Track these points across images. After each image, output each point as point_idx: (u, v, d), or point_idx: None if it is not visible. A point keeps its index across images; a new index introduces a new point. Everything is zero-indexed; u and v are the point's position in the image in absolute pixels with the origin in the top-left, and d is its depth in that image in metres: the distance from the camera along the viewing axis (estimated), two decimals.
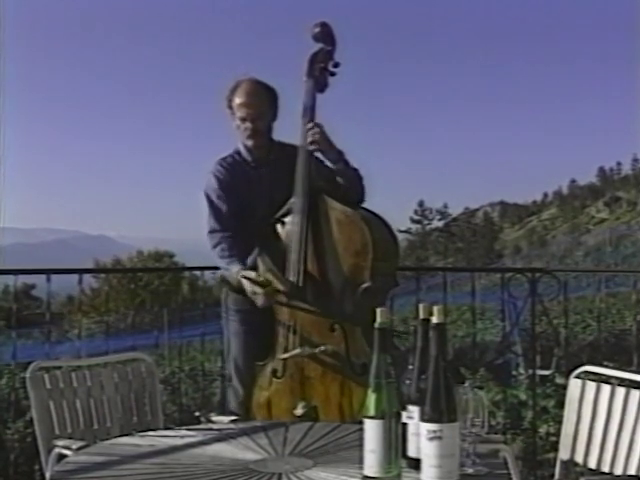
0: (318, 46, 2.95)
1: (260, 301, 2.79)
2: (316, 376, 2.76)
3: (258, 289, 2.77)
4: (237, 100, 2.96)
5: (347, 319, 2.73)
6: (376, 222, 2.84)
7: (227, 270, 2.97)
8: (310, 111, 2.92)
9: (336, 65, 2.96)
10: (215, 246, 3.00)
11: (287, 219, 2.88)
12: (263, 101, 2.98)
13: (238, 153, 3.07)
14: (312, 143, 2.85)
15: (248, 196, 3.02)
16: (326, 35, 2.95)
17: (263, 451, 1.85)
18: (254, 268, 2.85)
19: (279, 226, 2.90)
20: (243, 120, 2.96)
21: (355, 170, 2.95)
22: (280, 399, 2.81)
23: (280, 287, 2.80)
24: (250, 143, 3.00)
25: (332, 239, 2.78)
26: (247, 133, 2.97)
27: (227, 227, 3.00)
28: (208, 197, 3.04)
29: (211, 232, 3.02)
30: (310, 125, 2.88)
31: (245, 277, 2.81)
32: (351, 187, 2.92)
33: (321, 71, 2.94)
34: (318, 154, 2.90)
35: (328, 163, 2.94)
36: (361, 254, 2.73)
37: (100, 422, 2.47)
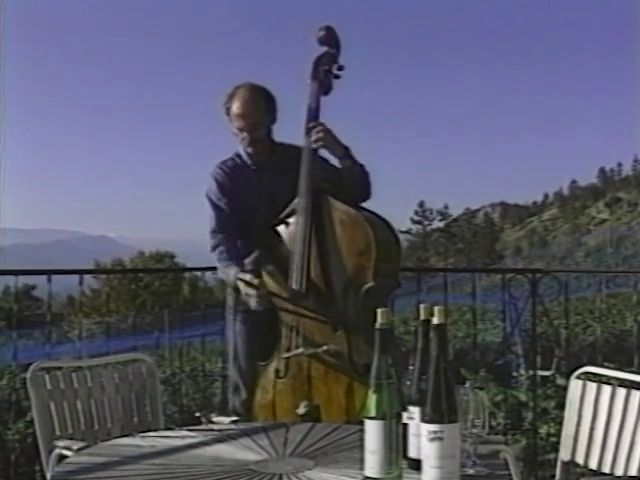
0: (323, 49, 2.96)
1: (253, 304, 2.83)
2: (318, 376, 2.75)
3: (251, 291, 2.80)
4: (234, 109, 2.98)
5: (349, 323, 2.73)
6: (379, 223, 2.84)
7: (224, 272, 3.00)
8: (314, 114, 2.93)
9: (340, 68, 2.97)
10: (214, 248, 3.04)
11: (290, 220, 2.89)
12: (260, 108, 2.99)
13: (239, 156, 3.09)
14: (316, 141, 2.86)
15: (249, 199, 3.04)
16: (331, 38, 2.96)
17: (264, 452, 1.85)
18: (254, 271, 2.86)
19: (282, 227, 2.91)
20: (241, 130, 2.99)
21: (361, 166, 2.95)
22: (282, 399, 2.80)
23: (277, 290, 2.82)
24: (250, 150, 3.03)
25: (335, 239, 2.78)
26: (246, 142, 3.00)
27: (227, 229, 3.04)
28: (210, 200, 3.08)
29: (212, 232, 3.06)
30: (313, 124, 2.89)
31: (240, 279, 2.85)
32: (357, 183, 2.93)
33: (325, 74, 2.95)
34: (324, 151, 2.90)
35: (335, 161, 2.94)
36: (364, 254, 2.73)
37: (101, 423, 2.47)
